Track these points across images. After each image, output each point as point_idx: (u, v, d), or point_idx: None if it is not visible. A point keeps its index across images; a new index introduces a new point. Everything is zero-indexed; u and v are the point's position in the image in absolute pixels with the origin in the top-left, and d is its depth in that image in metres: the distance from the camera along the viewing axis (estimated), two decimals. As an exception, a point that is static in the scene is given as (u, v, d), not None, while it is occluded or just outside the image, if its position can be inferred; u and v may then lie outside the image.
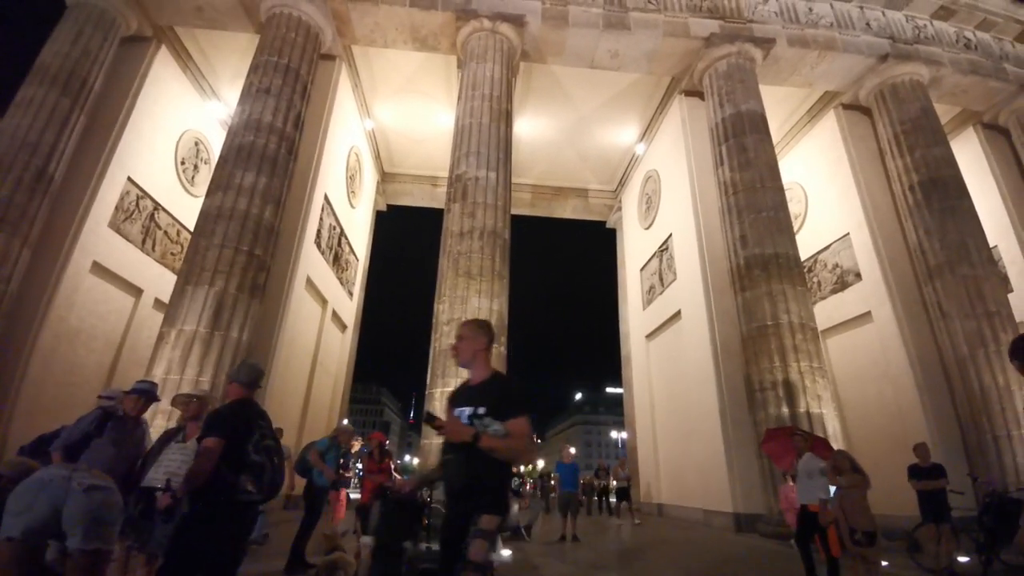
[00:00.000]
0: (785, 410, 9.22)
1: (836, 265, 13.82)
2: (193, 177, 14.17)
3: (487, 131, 11.09)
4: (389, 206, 20.68)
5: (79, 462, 3.58)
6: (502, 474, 2.40)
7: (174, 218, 13.51)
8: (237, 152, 10.01)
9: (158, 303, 12.43)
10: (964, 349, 10.48)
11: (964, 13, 14.27)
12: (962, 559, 6.55)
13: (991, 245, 11.97)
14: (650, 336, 16.31)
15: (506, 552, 7.05)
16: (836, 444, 7.90)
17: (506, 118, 11.53)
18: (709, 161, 12.53)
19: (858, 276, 12.99)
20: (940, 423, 10.54)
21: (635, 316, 17.95)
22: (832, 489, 5.23)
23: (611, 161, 18.66)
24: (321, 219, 13.04)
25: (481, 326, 2.74)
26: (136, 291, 12.36)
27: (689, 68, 13.34)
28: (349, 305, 16.83)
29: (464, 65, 12.14)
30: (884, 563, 5.47)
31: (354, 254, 16.84)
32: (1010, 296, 11.56)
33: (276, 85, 10.65)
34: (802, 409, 9.15)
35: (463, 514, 2.37)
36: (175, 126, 13.46)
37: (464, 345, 2.68)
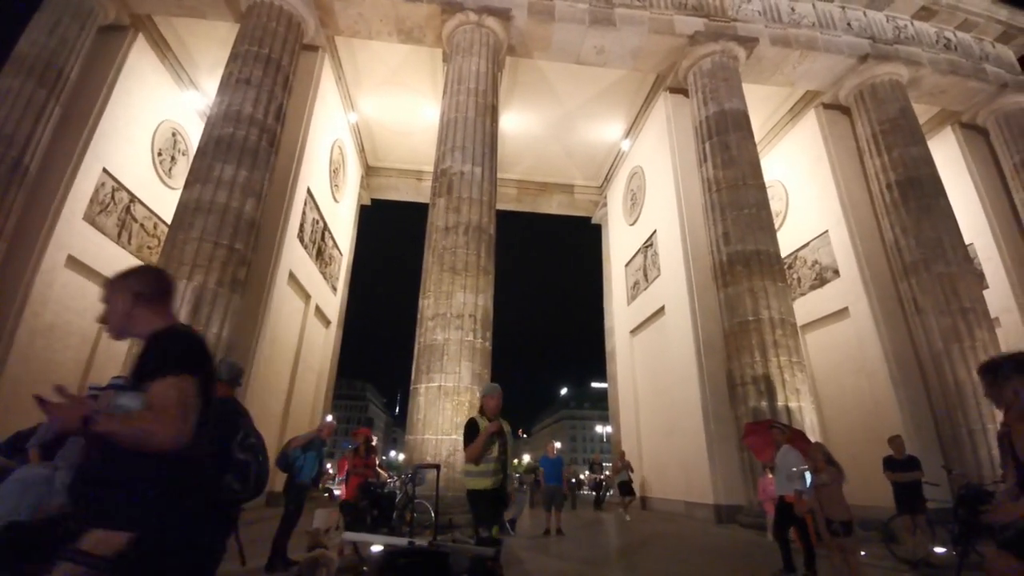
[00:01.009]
0: (765, 404, 9.37)
1: (815, 262, 14.02)
2: (171, 169, 13.90)
3: (472, 126, 11.02)
4: (374, 200, 20.50)
5: (56, 459, 3.51)
6: (135, 469, 1.59)
7: (151, 211, 13.24)
8: (216, 144, 9.83)
9: (136, 298, 12.17)
10: (939, 344, 10.69)
11: (945, 13, 14.48)
12: (938, 550, 6.69)
13: (967, 243, 12.22)
14: (634, 331, 16.43)
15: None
16: (813, 437, 8.03)
17: (492, 113, 11.47)
18: (693, 158, 12.62)
19: (836, 273, 13.19)
20: (915, 416, 10.77)
21: (620, 311, 18.06)
22: (808, 480, 5.32)
23: (596, 157, 18.70)
24: (304, 213, 12.88)
25: (125, 276, 1.97)
26: (113, 285, 12.10)
27: (674, 65, 13.40)
28: (333, 300, 16.68)
29: (449, 59, 12.04)
30: (861, 553, 5.58)
31: (338, 248, 16.68)
32: (986, 293, 11.83)
33: (257, 76, 10.47)
34: (781, 403, 9.30)
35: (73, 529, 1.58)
36: (152, 117, 13.17)
37: (110, 310, 1.91)
